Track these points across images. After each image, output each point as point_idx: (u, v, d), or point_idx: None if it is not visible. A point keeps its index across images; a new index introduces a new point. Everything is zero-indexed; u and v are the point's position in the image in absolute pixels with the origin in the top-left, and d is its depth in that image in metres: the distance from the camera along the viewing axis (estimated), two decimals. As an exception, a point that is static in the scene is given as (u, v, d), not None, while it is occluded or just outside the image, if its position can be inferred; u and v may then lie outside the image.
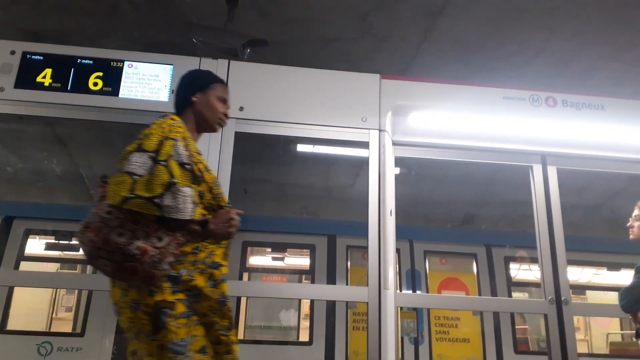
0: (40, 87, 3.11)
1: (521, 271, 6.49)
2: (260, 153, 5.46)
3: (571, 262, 3.36)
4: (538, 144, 3.54)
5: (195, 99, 2.11)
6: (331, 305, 5.71)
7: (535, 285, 6.53)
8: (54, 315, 6.64)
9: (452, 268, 6.04)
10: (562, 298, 3.23)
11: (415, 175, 5.20)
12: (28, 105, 3.11)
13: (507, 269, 6.06)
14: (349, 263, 6.07)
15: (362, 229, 3.18)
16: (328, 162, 6.04)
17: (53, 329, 6.31)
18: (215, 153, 3.07)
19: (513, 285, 6.18)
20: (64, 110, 3.15)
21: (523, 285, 6.77)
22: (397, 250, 5.26)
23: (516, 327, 5.81)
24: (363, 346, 5.54)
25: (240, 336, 5.91)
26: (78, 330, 5.23)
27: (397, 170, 3.43)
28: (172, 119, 1.97)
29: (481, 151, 3.54)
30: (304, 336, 5.90)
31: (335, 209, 7.10)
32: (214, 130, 2.21)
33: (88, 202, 6.04)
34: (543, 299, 3.27)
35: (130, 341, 1.82)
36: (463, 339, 5.55)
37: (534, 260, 6.07)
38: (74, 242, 5.53)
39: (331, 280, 5.89)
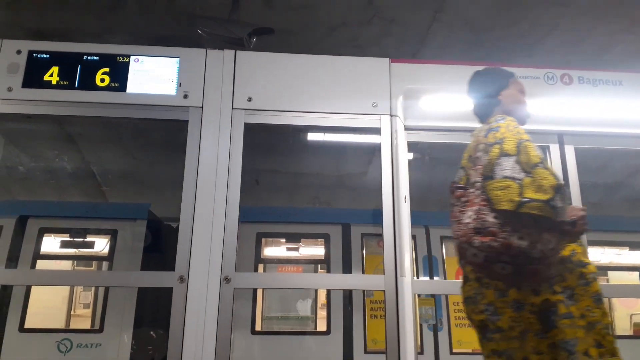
0: (48, 85, 3.09)
1: None
2: (271, 143, 5.42)
3: (592, 243, 3.28)
4: (554, 123, 3.46)
5: (501, 97, 2.14)
6: (348, 294, 5.69)
7: None
8: (72, 312, 6.71)
9: None
10: (584, 280, 3.17)
11: (429, 160, 5.12)
12: (36, 104, 3.10)
13: None
14: (364, 251, 6.03)
15: (376, 217, 3.13)
16: (339, 150, 5.98)
17: (72, 326, 6.38)
18: (225, 145, 3.04)
19: None
20: (73, 108, 3.13)
21: None
22: (413, 237, 5.22)
23: None
24: (381, 334, 5.54)
25: (258, 327, 5.93)
26: (97, 326, 5.27)
27: (410, 156, 3.37)
28: (512, 120, 1.98)
29: (496, 133, 3.46)
30: (321, 326, 5.90)
31: (348, 198, 7.05)
32: (523, 124, 2.14)
33: (100, 198, 6.07)
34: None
35: (505, 341, 1.78)
36: None
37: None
38: (89, 239, 5.58)
39: (347, 269, 5.86)
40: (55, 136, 4.84)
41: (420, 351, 5.36)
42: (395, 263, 2.96)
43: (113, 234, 5.40)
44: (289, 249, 6.79)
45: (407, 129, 3.32)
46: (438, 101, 3.36)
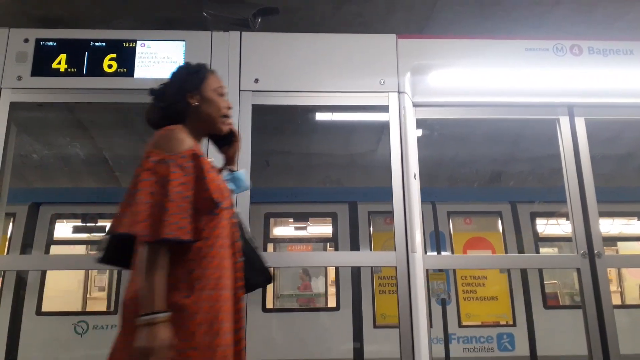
0: (57, 73, 3.12)
1: (549, 226, 6.41)
2: (280, 125, 5.43)
3: (602, 214, 3.28)
4: (564, 95, 3.42)
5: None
6: (356, 271, 5.75)
7: (563, 239, 6.47)
8: (88, 295, 6.84)
9: (477, 228, 5.98)
10: (595, 251, 3.18)
11: (439, 136, 5.11)
12: (46, 92, 3.13)
13: (533, 225, 5.96)
14: (371, 229, 6.08)
15: (382, 194, 3.15)
16: (348, 129, 5.97)
17: (88, 309, 6.51)
18: (234, 126, 3.04)
19: (540, 240, 6.10)
20: (82, 95, 3.16)
21: (551, 240, 6.69)
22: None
23: (545, 282, 5.75)
24: (389, 309, 5.61)
25: (270, 305, 6.04)
26: (112, 308, 5.38)
27: (419, 133, 3.36)
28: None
29: (505, 107, 3.44)
30: (331, 302, 6.00)
31: (358, 176, 7.07)
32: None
33: (113, 183, 6.14)
34: (575, 253, 3.22)
35: None
36: (491, 297, 5.53)
37: (561, 214, 5.99)
38: (100, 223, 5.68)
39: (354, 246, 5.92)
40: (67, 123, 4.88)
41: (430, 325, 5.43)
42: (406, 239, 2.99)
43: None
44: (297, 229, 6.86)
45: (415, 105, 3.30)
46: (446, 76, 3.33)
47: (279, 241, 6.77)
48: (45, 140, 5.32)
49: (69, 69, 3.12)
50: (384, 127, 3.20)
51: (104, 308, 5.21)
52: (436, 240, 5.93)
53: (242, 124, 3.06)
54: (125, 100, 3.18)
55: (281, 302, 6.33)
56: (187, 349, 1.58)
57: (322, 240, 6.78)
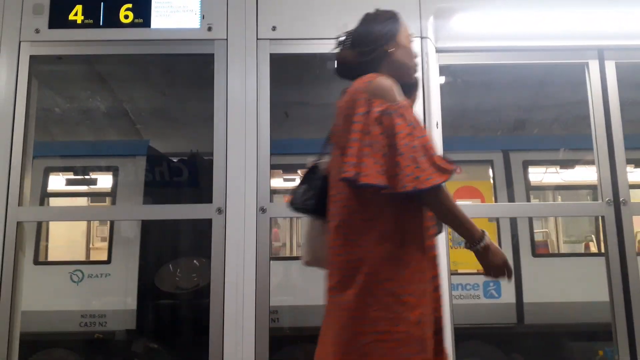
0: (74, 25, 3.09)
1: (547, 175, 6.35)
2: (299, 75, 5.34)
3: (630, 162, 3.22)
4: (594, 37, 3.27)
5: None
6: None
7: (556, 187, 6.42)
8: (91, 245, 7.02)
9: (466, 177, 5.84)
10: (621, 199, 3.13)
11: (462, 83, 4.97)
12: (64, 44, 3.12)
13: (525, 173, 5.79)
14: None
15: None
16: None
17: (92, 258, 6.70)
18: (252, 77, 3.02)
19: (532, 189, 5.94)
20: (100, 47, 3.15)
21: (542, 189, 6.62)
22: None
23: (535, 231, 5.67)
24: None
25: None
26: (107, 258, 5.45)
27: (442, 80, 3.28)
28: None
29: (532, 51, 3.31)
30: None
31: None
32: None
33: (135, 136, 6.19)
34: (599, 200, 3.18)
35: None
36: None
37: (553, 162, 5.87)
38: (93, 176, 5.83)
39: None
40: (87, 76, 4.87)
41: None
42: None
43: (115, 170, 5.53)
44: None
45: (438, 51, 3.19)
46: (471, 20, 3.21)
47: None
48: (66, 94, 5.34)
49: (86, 21, 3.09)
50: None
51: (106, 257, 5.33)
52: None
53: (260, 73, 3.02)
54: (143, 51, 3.16)
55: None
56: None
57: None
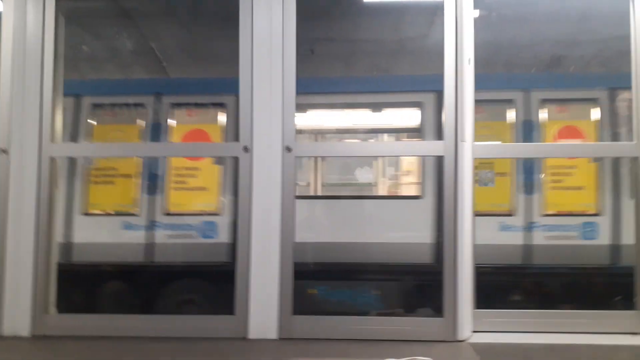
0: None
1: None
2: (326, 9, 5.18)
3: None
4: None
5: None
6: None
7: None
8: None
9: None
10: None
11: (496, 17, 4.73)
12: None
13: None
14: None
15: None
16: (398, 11, 5.62)
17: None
18: (278, 12, 2.94)
19: None
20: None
21: None
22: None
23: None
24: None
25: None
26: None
27: (476, 13, 3.13)
28: None
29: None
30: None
31: (408, 63, 6.79)
32: None
33: (162, 74, 6.17)
34: (635, 141, 3.08)
35: None
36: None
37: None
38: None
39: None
40: (113, 13, 4.84)
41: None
42: (456, 128, 2.93)
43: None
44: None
45: (472, -17, 3.04)
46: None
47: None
48: (93, 31, 5.33)
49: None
50: (438, 8, 2.99)
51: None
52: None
53: (286, 9, 2.94)
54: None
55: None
56: None
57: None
